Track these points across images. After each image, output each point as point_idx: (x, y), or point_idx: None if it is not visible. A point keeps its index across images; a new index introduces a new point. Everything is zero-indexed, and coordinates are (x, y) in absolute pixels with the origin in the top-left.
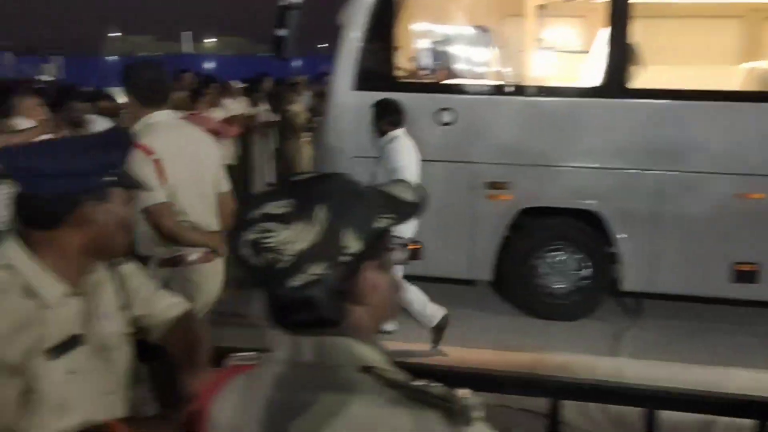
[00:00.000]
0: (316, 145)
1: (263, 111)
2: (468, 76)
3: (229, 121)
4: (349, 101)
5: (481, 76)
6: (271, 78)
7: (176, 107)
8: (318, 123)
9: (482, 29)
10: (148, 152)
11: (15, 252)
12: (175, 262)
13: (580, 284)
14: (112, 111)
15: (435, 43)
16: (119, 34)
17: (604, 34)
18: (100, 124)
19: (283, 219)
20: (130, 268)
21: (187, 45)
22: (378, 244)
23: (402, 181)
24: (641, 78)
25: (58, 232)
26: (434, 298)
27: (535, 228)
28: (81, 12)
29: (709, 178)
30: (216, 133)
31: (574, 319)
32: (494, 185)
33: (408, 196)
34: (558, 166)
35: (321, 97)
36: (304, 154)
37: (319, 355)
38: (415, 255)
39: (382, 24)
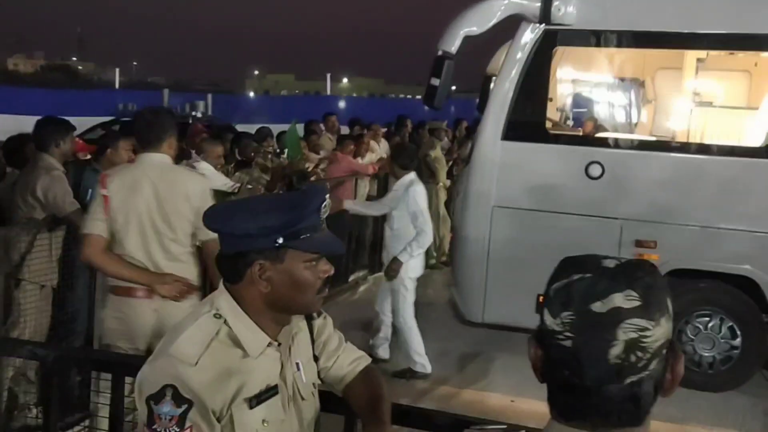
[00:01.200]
0: (458, 192)
1: None
2: (619, 129)
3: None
4: (496, 151)
5: (632, 130)
6: (409, 120)
7: (319, 148)
8: (458, 170)
9: (636, 82)
10: (102, 186)
11: (224, 302)
12: (111, 290)
13: (729, 354)
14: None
15: (587, 95)
16: (260, 72)
17: None
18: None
19: (647, 314)
20: (320, 322)
21: (323, 85)
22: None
23: None
24: None
25: (241, 287)
26: None
27: (684, 291)
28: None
29: None
30: (356, 172)
31: (720, 391)
32: (641, 244)
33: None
34: (711, 227)
35: (458, 142)
36: (441, 199)
37: None
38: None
39: (535, 75)
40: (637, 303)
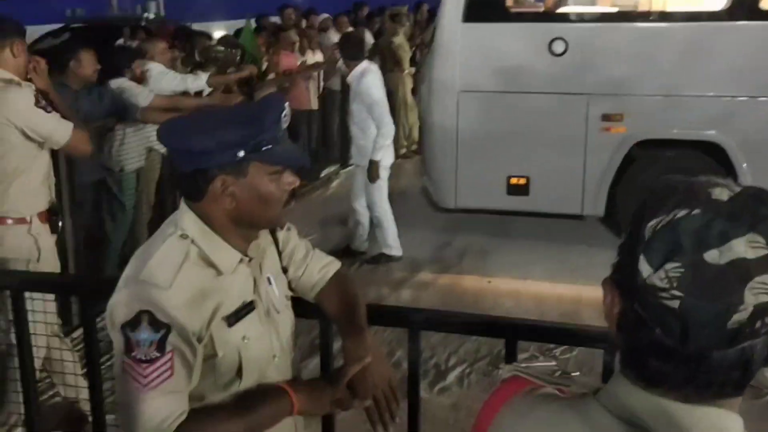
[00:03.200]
0: (422, 80)
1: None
2: (580, 2)
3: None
4: (458, 34)
5: (593, 3)
6: (367, 7)
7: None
8: (421, 55)
9: None
10: None
11: (189, 221)
12: None
13: None
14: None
15: None
16: None
17: None
18: None
19: None
20: (284, 234)
21: None
22: None
23: None
24: None
25: (204, 205)
26: (543, 234)
27: (651, 161)
28: None
29: None
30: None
31: None
32: (608, 117)
33: None
34: (677, 95)
35: (420, 27)
36: (407, 87)
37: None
38: (522, 190)
39: None
40: (765, 252)
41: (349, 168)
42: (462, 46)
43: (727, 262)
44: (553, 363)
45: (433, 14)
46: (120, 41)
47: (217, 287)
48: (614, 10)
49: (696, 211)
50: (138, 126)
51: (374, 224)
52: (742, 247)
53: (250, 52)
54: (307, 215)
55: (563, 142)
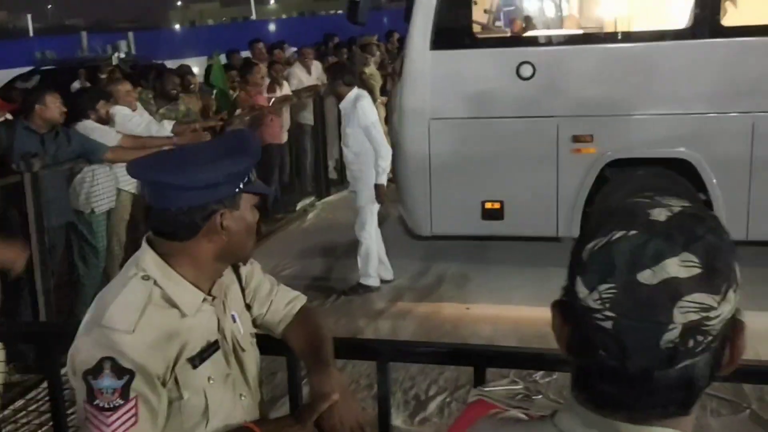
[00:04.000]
0: (392, 108)
1: None
2: (546, 26)
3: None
4: (426, 61)
5: (559, 25)
6: (336, 38)
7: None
8: (392, 85)
9: None
10: None
11: (151, 262)
12: None
13: None
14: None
15: None
16: (182, 2)
17: None
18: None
19: (711, 288)
20: (247, 269)
21: (249, 8)
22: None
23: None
24: (732, 15)
25: (192, 242)
26: (521, 258)
27: (624, 181)
28: None
29: None
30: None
31: None
32: (578, 139)
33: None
34: (645, 115)
35: (391, 56)
36: (380, 115)
37: None
38: (497, 214)
39: None
40: (697, 271)
41: (327, 199)
42: (431, 73)
43: (658, 281)
44: (519, 386)
45: (403, 42)
46: (75, 84)
47: (181, 328)
48: (579, 32)
49: (632, 232)
50: (107, 167)
51: (357, 251)
52: (675, 267)
53: (220, 87)
54: (285, 248)
55: (535, 165)
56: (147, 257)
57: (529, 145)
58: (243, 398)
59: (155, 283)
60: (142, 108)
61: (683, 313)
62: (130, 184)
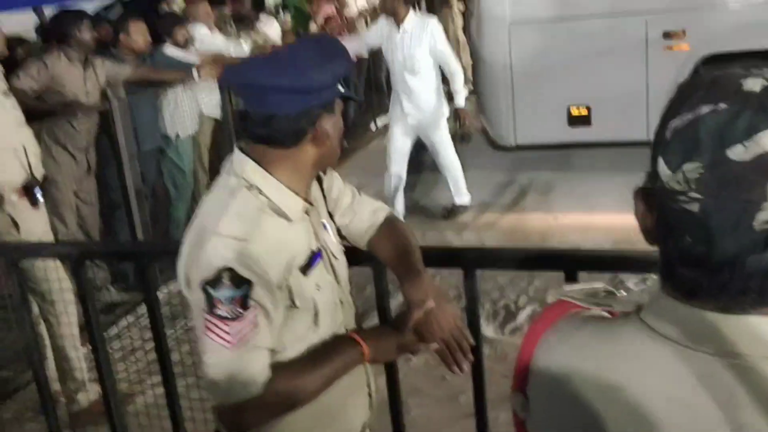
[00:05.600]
0: (471, 15)
1: None
2: None
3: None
4: None
5: None
6: None
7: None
8: None
9: None
10: None
11: (252, 171)
12: None
13: None
14: None
15: None
16: None
17: None
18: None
19: None
20: (328, 177)
21: None
22: None
23: None
24: None
25: (296, 149)
26: (608, 165)
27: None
28: None
29: None
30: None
31: None
32: (670, 35)
33: None
34: (740, 5)
35: None
36: (458, 25)
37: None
38: (584, 120)
39: None
40: None
41: None
42: None
43: (752, 157)
44: (601, 285)
45: None
46: (164, 6)
47: (289, 237)
48: None
49: (722, 105)
50: (189, 91)
51: (444, 173)
52: None
53: (295, 5)
54: (368, 165)
55: (624, 66)
56: (248, 166)
57: (616, 46)
58: (343, 305)
59: (260, 192)
60: (219, 33)
61: None
62: (211, 109)
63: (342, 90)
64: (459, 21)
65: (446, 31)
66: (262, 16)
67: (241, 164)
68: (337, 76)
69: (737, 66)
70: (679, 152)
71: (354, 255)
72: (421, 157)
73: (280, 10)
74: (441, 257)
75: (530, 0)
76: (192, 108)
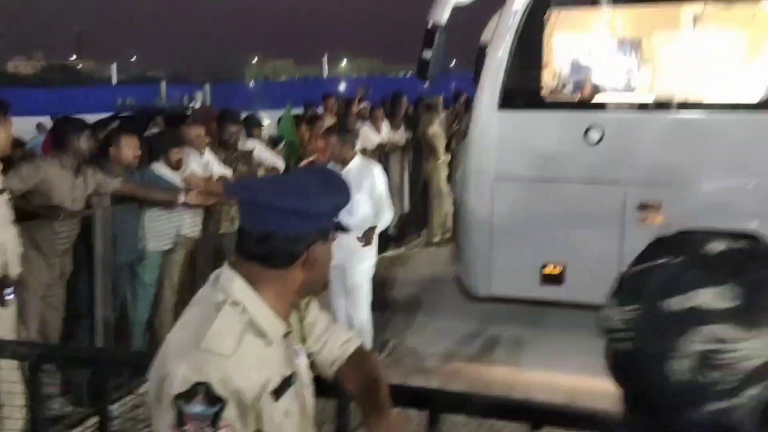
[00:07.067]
0: (457, 167)
1: (401, 134)
2: (616, 91)
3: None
4: (493, 121)
5: (630, 92)
6: (405, 98)
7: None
8: (457, 144)
9: (632, 42)
10: None
11: (239, 289)
12: None
13: None
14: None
15: (583, 58)
16: (259, 59)
17: None
18: (250, 144)
19: (742, 321)
20: (307, 302)
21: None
22: None
23: None
24: None
25: (286, 271)
26: (579, 324)
27: None
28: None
29: None
30: None
31: None
32: (646, 206)
33: None
34: (715, 186)
35: (456, 117)
36: (442, 175)
37: None
38: (558, 279)
39: (528, 40)
40: (735, 304)
41: (385, 254)
42: (497, 133)
43: (685, 309)
44: None
45: (470, 103)
46: (154, 129)
47: (267, 359)
48: (651, 99)
49: (679, 259)
50: (175, 210)
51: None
52: (710, 297)
53: (288, 138)
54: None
55: (600, 230)
56: (235, 283)
57: (594, 210)
58: None
59: (244, 310)
60: (210, 153)
61: (694, 343)
62: (192, 229)
63: (338, 221)
64: (443, 172)
65: (431, 179)
66: (256, 146)
67: (229, 280)
68: (337, 207)
69: (707, 232)
70: (627, 294)
71: (320, 385)
72: (388, 297)
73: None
74: (409, 397)
75: (516, 159)
76: (170, 226)
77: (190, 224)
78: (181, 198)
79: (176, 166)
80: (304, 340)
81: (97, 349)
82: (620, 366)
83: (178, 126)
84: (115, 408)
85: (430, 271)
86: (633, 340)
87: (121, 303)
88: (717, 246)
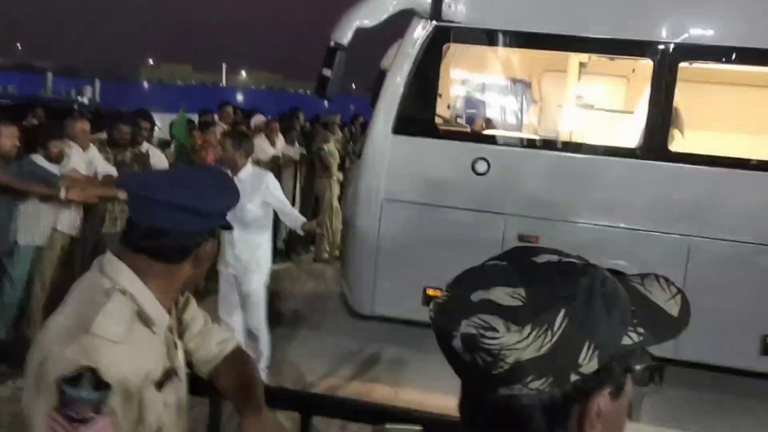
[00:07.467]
0: (349, 185)
1: (296, 149)
2: (505, 127)
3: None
4: (386, 144)
5: (517, 128)
6: (302, 114)
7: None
8: (350, 163)
9: (523, 82)
10: None
11: (127, 277)
12: None
13: None
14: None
15: (476, 92)
16: (155, 60)
17: (647, 94)
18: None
19: (513, 317)
20: (185, 299)
21: (220, 76)
22: (617, 366)
23: (666, 282)
24: (680, 142)
25: (176, 266)
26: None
27: None
28: (120, 37)
29: (742, 247)
30: None
31: None
32: (524, 238)
33: (671, 308)
34: (589, 223)
35: (352, 137)
36: (335, 193)
37: None
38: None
39: (425, 71)
40: (517, 303)
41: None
42: (390, 156)
43: (479, 300)
44: (417, 427)
45: (367, 126)
46: (32, 120)
47: (152, 348)
48: (535, 137)
49: (502, 263)
50: (52, 204)
51: (251, 337)
52: (502, 294)
53: (180, 142)
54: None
55: (481, 257)
56: (123, 273)
57: (476, 238)
58: (180, 429)
59: (131, 298)
60: (96, 149)
61: (466, 326)
62: (68, 226)
63: (226, 221)
64: (336, 189)
65: (322, 196)
66: (149, 147)
67: (116, 269)
68: (227, 207)
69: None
70: (451, 283)
71: (194, 383)
72: (274, 311)
73: (170, 145)
74: (281, 399)
75: (405, 182)
76: (46, 221)
77: (66, 220)
78: (63, 193)
79: (56, 158)
80: (180, 336)
81: None
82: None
83: (61, 119)
84: None
85: (316, 287)
86: (433, 319)
87: None
88: (543, 258)
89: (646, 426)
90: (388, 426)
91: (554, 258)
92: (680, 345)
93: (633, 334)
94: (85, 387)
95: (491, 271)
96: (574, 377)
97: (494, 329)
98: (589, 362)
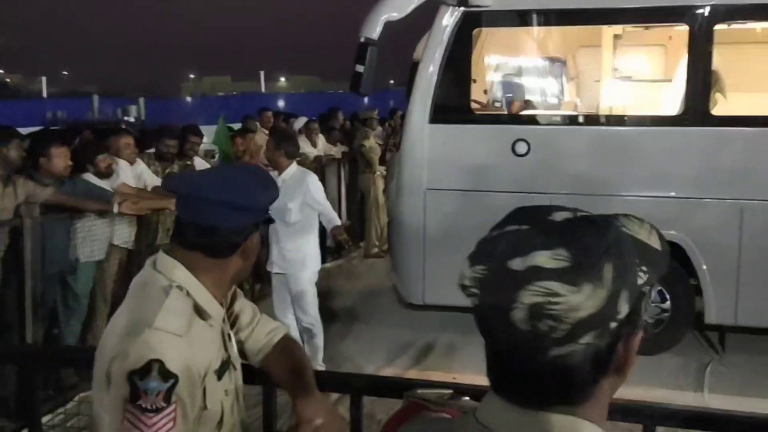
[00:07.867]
0: (390, 178)
1: (338, 148)
2: (542, 107)
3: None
4: (424, 134)
5: (555, 107)
6: (341, 113)
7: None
8: (391, 156)
9: (557, 60)
10: None
11: (182, 274)
12: None
13: (660, 317)
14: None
15: (510, 74)
16: (195, 75)
17: (685, 61)
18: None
19: (567, 279)
20: (233, 293)
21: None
22: (639, 306)
23: (638, 219)
24: (722, 105)
25: (226, 260)
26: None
27: None
28: (161, 57)
29: None
30: None
31: (654, 354)
32: None
33: (654, 242)
34: (637, 196)
35: (392, 131)
36: (379, 187)
37: None
38: None
39: (457, 57)
40: (564, 264)
41: (324, 266)
42: (428, 145)
43: (524, 268)
44: (447, 390)
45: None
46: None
47: (210, 340)
48: (574, 113)
49: (524, 227)
50: (107, 219)
51: (307, 334)
52: (544, 258)
53: (222, 149)
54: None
55: None
56: (177, 270)
57: None
58: (239, 415)
59: (188, 294)
60: (143, 164)
61: (529, 296)
62: (124, 239)
63: (269, 214)
64: (380, 183)
65: (367, 192)
66: (197, 160)
67: (169, 267)
68: (270, 201)
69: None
70: (477, 256)
71: (247, 372)
72: (327, 308)
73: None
74: (328, 382)
75: (446, 170)
76: (102, 235)
77: (121, 234)
78: (115, 208)
79: (106, 173)
80: (231, 327)
81: (23, 345)
82: (477, 320)
83: (106, 138)
84: (48, 419)
85: (368, 283)
86: (478, 296)
87: (52, 315)
88: (560, 215)
89: (711, 396)
90: (419, 391)
91: (569, 214)
92: (739, 311)
93: (641, 273)
94: (154, 378)
95: (517, 237)
96: (613, 324)
97: (557, 294)
98: (624, 307)
